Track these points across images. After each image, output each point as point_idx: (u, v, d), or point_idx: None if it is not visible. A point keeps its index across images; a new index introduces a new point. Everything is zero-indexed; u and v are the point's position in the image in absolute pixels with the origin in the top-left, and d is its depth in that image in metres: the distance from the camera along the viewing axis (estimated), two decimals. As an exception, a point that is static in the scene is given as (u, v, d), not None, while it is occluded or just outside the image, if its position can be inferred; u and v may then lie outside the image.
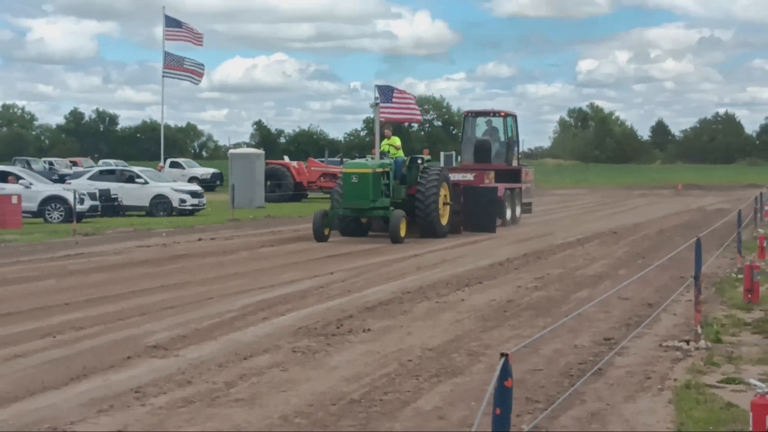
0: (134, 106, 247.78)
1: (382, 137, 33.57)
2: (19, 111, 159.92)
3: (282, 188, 51.85)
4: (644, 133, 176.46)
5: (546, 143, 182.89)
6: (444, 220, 29.79)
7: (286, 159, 60.57)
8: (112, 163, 71.97)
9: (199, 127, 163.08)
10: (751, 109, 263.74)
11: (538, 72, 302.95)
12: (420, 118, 39.79)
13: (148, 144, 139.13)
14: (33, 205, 37.22)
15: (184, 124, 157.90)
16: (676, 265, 20.27)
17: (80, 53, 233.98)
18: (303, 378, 11.16)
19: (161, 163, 59.82)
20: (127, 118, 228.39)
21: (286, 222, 40.86)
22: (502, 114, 38.03)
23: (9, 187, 37.06)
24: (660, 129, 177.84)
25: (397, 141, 30.71)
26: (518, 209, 36.76)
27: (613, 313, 15.71)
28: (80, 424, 9.13)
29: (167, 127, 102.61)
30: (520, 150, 39.12)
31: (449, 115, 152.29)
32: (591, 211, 49.18)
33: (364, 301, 17.30)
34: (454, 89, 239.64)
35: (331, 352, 12.76)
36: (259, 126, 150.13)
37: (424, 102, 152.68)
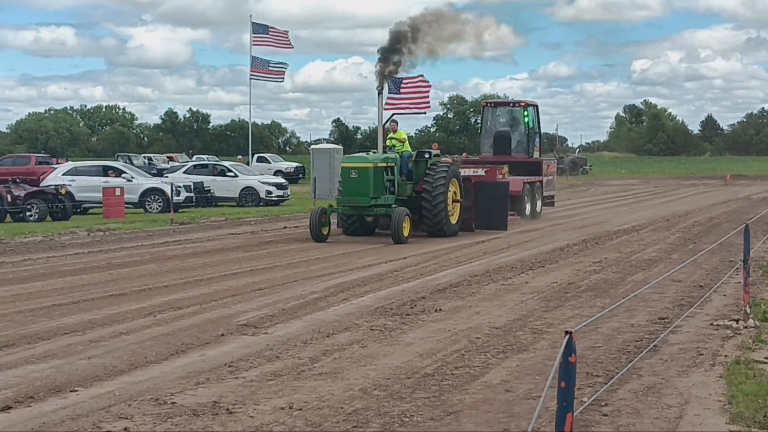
0: (224, 106, 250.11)
1: (390, 131, 29.60)
2: (121, 111, 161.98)
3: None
4: (694, 127, 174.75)
5: (603, 137, 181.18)
6: (453, 218, 25.65)
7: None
8: (205, 158, 73.02)
9: (283, 124, 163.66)
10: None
11: (595, 71, 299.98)
12: (428, 106, 33.48)
13: (237, 140, 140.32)
14: (134, 197, 38.32)
15: (269, 122, 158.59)
16: (726, 250, 20.31)
17: (176, 58, 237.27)
18: (380, 354, 11.25)
19: (239, 156, 61.05)
20: (218, 117, 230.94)
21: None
22: (522, 104, 33.74)
23: (113, 181, 37.68)
24: (709, 123, 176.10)
25: (402, 134, 26.69)
26: (539, 203, 32.64)
27: (666, 294, 15.56)
28: (179, 395, 9.29)
29: (254, 125, 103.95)
30: (541, 141, 34.44)
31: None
32: (644, 200, 48.66)
33: (435, 283, 17.36)
34: (518, 88, 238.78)
35: (406, 330, 12.81)
36: (338, 123, 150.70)
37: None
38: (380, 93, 29.11)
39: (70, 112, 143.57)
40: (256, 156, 71.09)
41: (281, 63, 42.51)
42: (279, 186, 46.05)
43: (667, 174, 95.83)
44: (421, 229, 24.89)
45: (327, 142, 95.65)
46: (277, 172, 64.27)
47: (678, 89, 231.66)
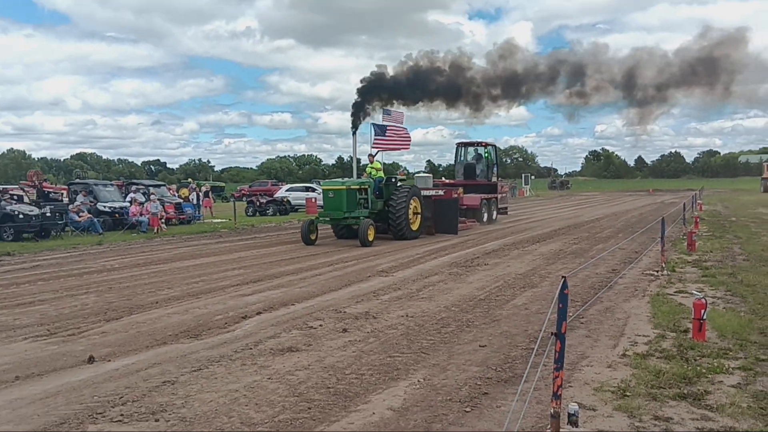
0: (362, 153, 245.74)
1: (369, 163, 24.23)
2: (314, 157, 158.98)
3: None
4: (631, 161, 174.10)
5: (578, 168, 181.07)
6: (414, 226, 21.10)
7: (443, 178, 60.23)
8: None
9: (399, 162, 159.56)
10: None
11: (573, 131, 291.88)
12: (408, 146, 28.56)
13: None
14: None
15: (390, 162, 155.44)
16: (650, 232, 20.06)
17: (344, 129, 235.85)
18: (454, 287, 11.74)
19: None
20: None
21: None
22: (484, 144, 29.20)
23: (310, 194, 39.16)
24: (639, 160, 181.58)
25: (377, 164, 22.07)
26: (495, 212, 27.86)
27: (616, 256, 15.64)
28: (347, 308, 10.03)
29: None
30: (498, 170, 29.57)
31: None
32: (601, 204, 46.57)
33: (484, 249, 17.71)
34: (530, 142, 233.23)
35: (468, 274, 13.24)
36: (429, 163, 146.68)
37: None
38: (354, 133, 26.24)
39: (290, 158, 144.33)
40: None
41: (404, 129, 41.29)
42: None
43: (614, 189, 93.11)
44: (389, 233, 20.95)
45: (423, 172, 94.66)
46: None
47: (621, 140, 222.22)
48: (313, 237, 19.93)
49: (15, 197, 28.32)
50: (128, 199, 26.75)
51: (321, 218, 20.42)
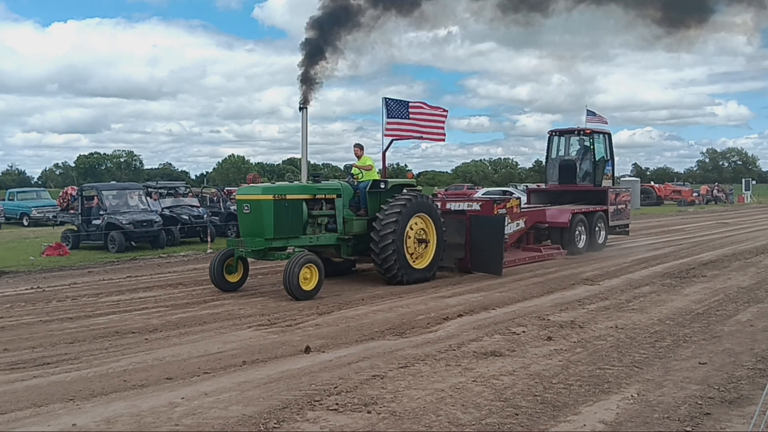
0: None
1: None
2: (511, 160, 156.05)
3: (649, 199, 49.26)
4: None
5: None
6: (422, 262, 12.96)
7: (652, 183, 57.16)
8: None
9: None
10: None
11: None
12: (442, 136, 18.13)
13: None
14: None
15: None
16: None
17: (543, 132, 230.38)
18: (668, 299, 11.10)
19: None
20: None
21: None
22: (588, 131, 19.76)
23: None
24: None
25: (368, 161, 13.81)
26: (602, 233, 18.70)
27: None
28: (551, 315, 9.79)
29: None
30: (613, 169, 20.03)
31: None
32: None
33: (700, 260, 16.34)
34: (751, 143, 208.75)
35: (684, 286, 12.45)
36: (636, 166, 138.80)
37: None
38: (301, 108, 13.83)
39: (485, 162, 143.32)
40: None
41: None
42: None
43: None
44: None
45: (630, 176, 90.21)
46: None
47: None
48: (233, 279, 12.15)
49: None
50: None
51: (239, 249, 11.95)
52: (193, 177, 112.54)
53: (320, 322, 9.39)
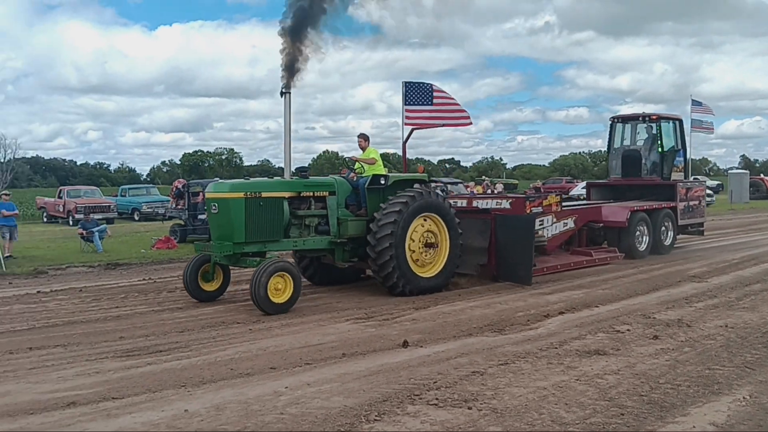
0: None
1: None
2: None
3: (758, 193, 47.00)
4: None
5: None
6: (429, 270, 11.14)
7: (762, 175, 54.47)
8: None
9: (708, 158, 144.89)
10: None
11: None
12: (467, 120, 16.38)
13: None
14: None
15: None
16: None
17: None
18: (785, 299, 10.61)
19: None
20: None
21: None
22: (654, 117, 17.02)
23: None
24: None
25: (371, 153, 11.82)
26: (670, 233, 16.32)
27: None
28: (657, 313, 9.47)
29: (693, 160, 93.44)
30: (685, 160, 17.70)
31: None
32: None
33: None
34: None
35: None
36: (744, 158, 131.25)
37: None
38: (283, 93, 10.77)
39: (584, 155, 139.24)
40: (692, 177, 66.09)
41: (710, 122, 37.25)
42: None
43: None
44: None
45: (738, 168, 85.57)
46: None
47: None
48: (210, 288, 10.82)
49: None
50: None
51: (213, 255, 10.46)
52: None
53: (417, 316, 9.43)
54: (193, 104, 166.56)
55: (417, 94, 15.20)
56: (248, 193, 10.17)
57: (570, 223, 14.04)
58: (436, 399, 5.83)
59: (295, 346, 7.80)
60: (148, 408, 5.70)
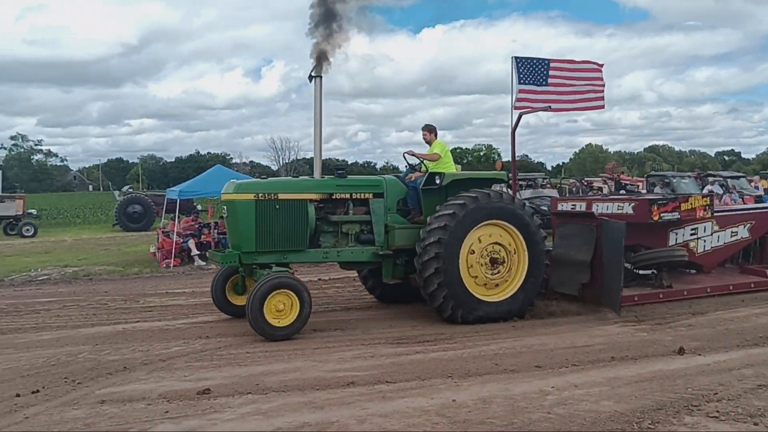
0: None
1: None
2: None
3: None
4: None
5: None
6: (495, 293, 8.89)
7: None
8: None
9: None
10: None
11: None
12: (601, 102, 12.44)
13: None
14: None
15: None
16: None
17: None
18: None
19: None
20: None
21: None
22: None
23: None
24: None
25: (437, 147, 9.47)
26: None
27: None
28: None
29: None
30: None
31: None
32: None
33: None
34: None
35: None
36: None
37: None
38: (312, 77, 8.87)
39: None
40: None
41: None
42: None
43: None
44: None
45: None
46: None
47: None
48: (240, 300, 9.45)
49: (597, 189, 31.13)
50: (705, 191, 26.26)
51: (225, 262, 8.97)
52: (549, 168, 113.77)
53: (693, 322, 8.82)
54: (454, 102, 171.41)
55: (529, 71, 13.10)
56: (260, 195, 8.70)
57: (742, 231, 11.15)
58: (717, 411, 5.41)
59: (561, 346, 7.72)
60: (418, 394, 6.01)
